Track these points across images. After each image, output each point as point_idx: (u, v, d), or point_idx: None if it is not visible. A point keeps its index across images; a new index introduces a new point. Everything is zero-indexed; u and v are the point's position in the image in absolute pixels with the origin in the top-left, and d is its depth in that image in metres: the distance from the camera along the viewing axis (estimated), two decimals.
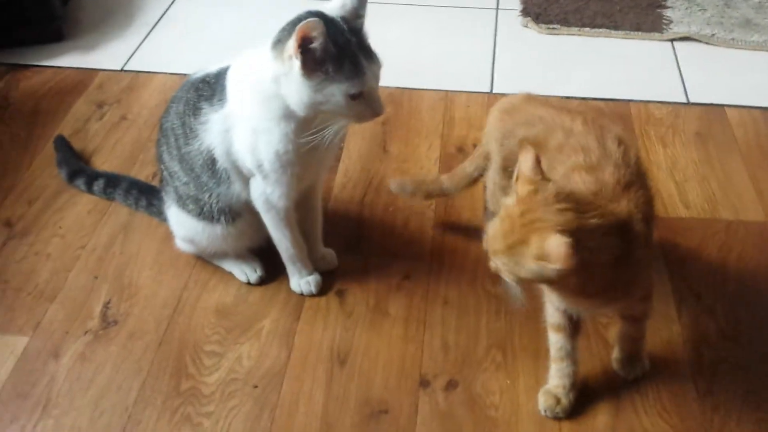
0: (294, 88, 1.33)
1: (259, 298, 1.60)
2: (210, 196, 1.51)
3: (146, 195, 1.73)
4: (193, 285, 1.62)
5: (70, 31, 2.39)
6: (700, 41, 2.38)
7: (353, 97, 1.33)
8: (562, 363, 1.38)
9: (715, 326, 1.54)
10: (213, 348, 1.50)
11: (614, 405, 1.41)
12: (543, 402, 1.39)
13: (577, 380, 1.39)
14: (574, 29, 2.43)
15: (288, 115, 1.38)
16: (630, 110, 2.10)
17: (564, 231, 1.10)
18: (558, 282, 1.17)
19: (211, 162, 1.47)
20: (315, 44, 1.29)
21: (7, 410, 1.40)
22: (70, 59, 2.29)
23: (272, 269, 1.63)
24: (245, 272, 1.63)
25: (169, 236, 1.66)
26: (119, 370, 1.47)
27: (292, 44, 1.29)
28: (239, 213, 1.54)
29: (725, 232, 1.74)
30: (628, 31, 2.41)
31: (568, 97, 2.07)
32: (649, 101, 2.13)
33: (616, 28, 2.43)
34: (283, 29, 1.36)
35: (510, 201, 1.20)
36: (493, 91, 2.18)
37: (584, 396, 1.41)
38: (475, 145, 1.97)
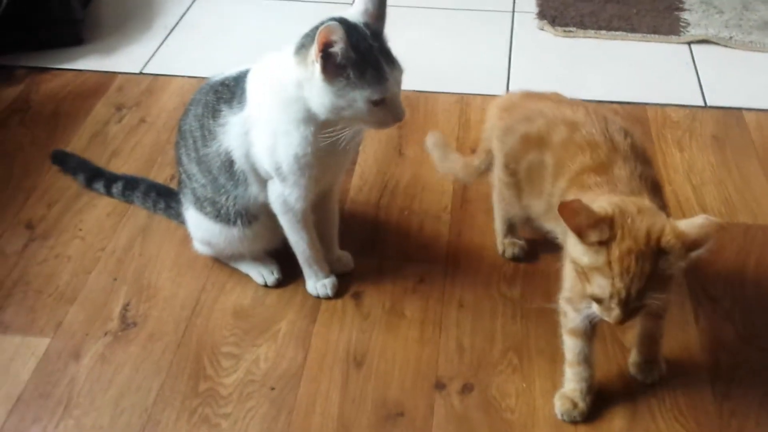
0: (316, 92, 1.34)
1: (275, 300, 1.61)
2: (227, 199, 1.52)
3: (164, 198, 1.75)
4: (210, 287, 1.64)
5: (90, 34, 2.42)
6: (717, 44, 2.37)
7: (375, 104, 1.35)
8: (579, 367, 1.38)
9: (733, 331, 1.54)
10: (230, 349, 1.52)
11: (631, 409, 1.41)
12: (560, 406, 1.39)
13: (594, 384, 1.39)
14: (591, 32, 2.43)
15: (308, 118, 1.39)
16: (647, 113, 2.10)
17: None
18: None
19: (229, 164, 1.48)
20: (335, 48, 1.30)
21: (29, 410, 1.42)
22: (89, 62, 2.32)
23: (289, 272, 1.64)
24: (262, 274, 1.64)
25: (187, 239, 1.68)
26: (138, 370, 1.49)
27: (313, 49, 1.31)
28: (256, 215, 1.55)
29: (743, 236, 1.74)
30: (645, 34, 2.41)
31: (584, 101, 2.06)
32: (666, 104, 2.13)
33: (632, 30, 2.42)
34: (307, 35, 1.37)
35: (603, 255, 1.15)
36: None
37: (600, 400, 1.41)
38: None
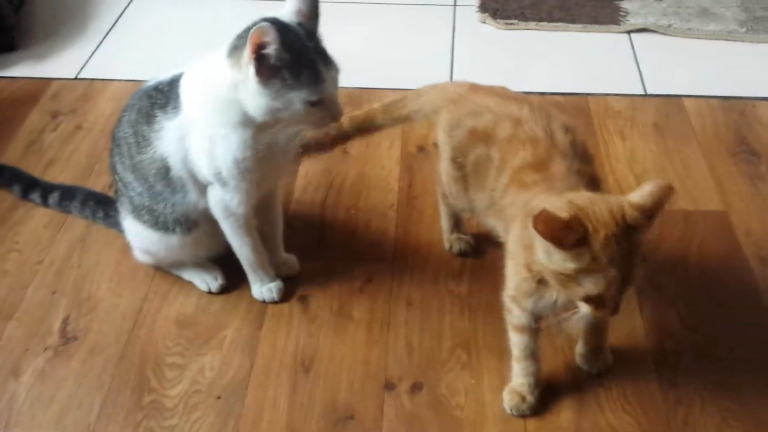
0: (251, 95, 1.32)
1: (220, 307, 1.59)
2: (165, 206, 1.49)
3: (103, 206, 1.71)
4: (153, 296, 1.60)
5: (23, 39, 2.35)
6: (657, 32, 2.40)
7: (312, 104, 1.33)
8: (526, 362, 1.38)
9: (677, 317, 1.55)
10: (175, 360, 1.49)
11: (578, 400, 1.41)
12: (508, 401, 1.39)
13: (541, 378, 1.40)
14: (532, 24, 2.44)
15: (245, 121, 1.37)
16: (589, 104, 2.11)
17: None
18: None
19: (166, 170, 1.45)
20: (269, 50, 1.28)
21: None
22: (23, 69, 2.25)
23: (233, 277, 1.61)
24: (206, 281, 1.61)
25: (127, 248, 1.64)
26: (80, 386, 1.45)
27: (246, 51, 1.28)
28: (196, 222, 1.52)
29: (684, 222, 1.76)
30: (585, 25, 2.43)
31: (527, 93, 2.06)
32: (607, 94, 2.15)
33: (573, 21, 2.44)
34: (239, 36, 1.35)
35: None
36: None
37: (548, 393, 1.41)
38: (436, 144, 1.98)
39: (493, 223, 1.44)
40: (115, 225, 1.68)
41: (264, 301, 1.59)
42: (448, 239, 1.70)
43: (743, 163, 1.92)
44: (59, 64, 2.27)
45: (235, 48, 1.34)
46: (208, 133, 1.40)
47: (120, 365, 1.48)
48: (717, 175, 1.88)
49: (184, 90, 1.43)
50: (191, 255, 1.57)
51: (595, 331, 1.44)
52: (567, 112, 2.05)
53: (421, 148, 1.98)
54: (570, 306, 1.24)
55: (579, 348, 1.47)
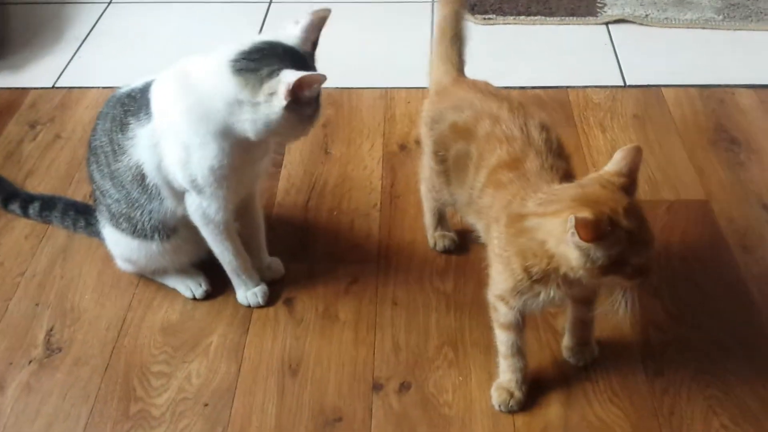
0: (261, 119, 1.33)
1: (205, 313, 1.58)
2: (142, 213, 1.48)
3: (84, 216, 1.70)
4: (137, 305, 1.59)
5: None
6: (634, 22, 2.41)
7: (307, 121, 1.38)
8: (513, 359, 1.38)
9: (661, 307, 1.56)
10: (161, 368, 1.48)
11: (565, 394, 1.42)
12: (496, 397, 1.40)
13: (528, 373, 1.40)
14: (510, 18, 2.44)
15: (225, 132, 1.37)
16: (568, 97, 2.11)
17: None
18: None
19: (141, 177, 1.44)
20: (308, 92, 1.33)
21: None
22: None
23: (218, 282, 1.60)
24: (190, 288, 1.60)
25: (110, 257, 1.63)
26: (66, 398, 1.44)
27: (282, 88, 1.30)
28: (174, 229, 1.51)
29: (667, 212, 1.76)
30: (563, 17, 2.43)
31: (507, 87, 2.07)
32: (587, 86, 2.15)
33: (551, 14, 2.44)
34: (258, 61, 1.33)
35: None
36: None
37: (536, 388, 1.42)
38: (417, 142, 1.98)
39: (473, 220, 1.44)
40: (97, 234, 1.66)
41: (249, 306, 1.58)
42: (432, 237, 1.69)
43: (723, 151, 1.93)
44: (36, 74, 2.25)
45: (251, 71, 1.32)
46: (182, 141, 1.38)
47: (105, 375, 1.47)
48: (698, 164, 1.89)
49: (156, 96, 1.41)
50: (173, 261, 1.56)
51: (581, 324, 1.45)
52: (547, 105, 2.07)
53: (402, 147, 1.98)
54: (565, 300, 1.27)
55: (565, 341, 1.48)
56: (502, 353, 1.39)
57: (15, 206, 1.77)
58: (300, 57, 1.36)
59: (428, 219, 1.69)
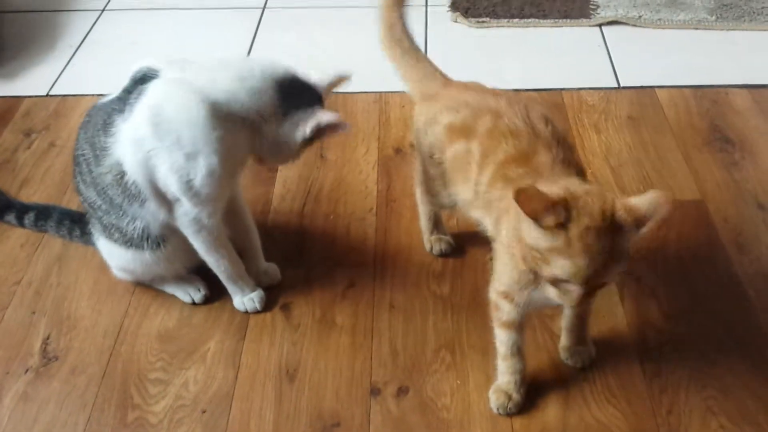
0: (279, 139, 1.44)
1: (202, 319, 1.58)
2: (128, 222, 1.46)
3: (79, 224, 1.69)
4: (133, 312, 1.59)
5: None
6: (627, 24, 2.41)
7: None
8: (513, 359, 1.38)
9: (658, 308, 1.56)
10: (158, 375, 1.47)
11: (563, 396, 1.42)
12: (495, 400, 1.39)
13: (527, 375, 1.40)
14: (504, 21, 2.44)
15: (234, 140, 1.41)
16: (563, 99, 2.12)
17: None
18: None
19: (120, 176, 1.41)
20: (327, 135, 1.46)
21: None
22: None
23: (216, 287, 1.60)
24: (189, 293, 1.60)
25: (106, 264, 1.62)
26: (63, 406, 1.43)
27: (312, 123, 1.42)
28: (163, 237, 1.49)
29: None
30: (556, 20, 2.44)
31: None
32: (581, 88, 2.16)
33: (544, 17, 2.45)
34: (301, 91, 1.45)
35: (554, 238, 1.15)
36: None
37: (534, 390, 1.42)
38: (412, 145, 1.98)
39: (479, 215, 1.42)
40: (93, 243, 1.66)
41: (246, 312, 1.58)
42: (428, 240, 1.69)
43: (718, 152, 1.93)
44: (30, 82, 2.25)
45: (293, 96, 1.43)
46: (185, 152, 1.37)
47: (103, 383, 1.46)
48: (692, 165, 1.89)
49: (158, 98, 1.39)
50: (168, 269, 1.55)
51: (578, 324, 1.44)
52: (545, 106, 2.06)
53: (398, 150, 1.98)
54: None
55: (562, 342, 1.48)
56: (501, 354, 1.39)
57: (10, 217, 1.77)
58: (322, 99, 1.48)
59: (424, 223, 1.69)
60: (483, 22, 2.45)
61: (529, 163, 1.30)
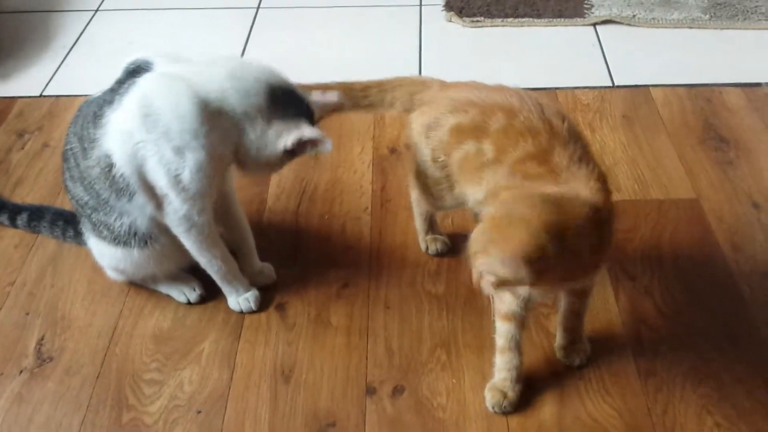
0: (260, 144, 1.42)
1: (197, 320, 1.57)
2: (116, 218, 1.45)
3: (73, 225, 1.68)
4: (128, 312, 1.59)
5: None
6: (621, 23, 2.41)
7: None
8: (510, 354, 1.38)
9: (653, 306, 1.56)
10: (153, 376, 1.47)
11: (559, 394, 1.42)
12: (490, 398, 1.39)
13: (522, 373, 1.40)
14: (498, 20, 2.44)
15: (224, 135, 1.40)
16: (557, 98, 2.12)
17: (548, 232, 1.13)
18: (537, 281, 1.18)
19: (108, 169, 1.40)
20: (308, 149, 1.44)
21: None
22: None
23: (211, 286, 1.59)
24: (184, 292, 1.59)
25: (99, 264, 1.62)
26: (57, 407, 1.43)
27: (294, 135, 1.40)
28: (152, 234, 1.48)
29: (657, 212, 1.77)
30: (550, 19, 2.44)
31: None
32: (575, 87, 2.16)
33: (538, 16, 2.45)
34: (290, 98, 1.42)
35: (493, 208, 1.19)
36: None
37: (529, 389, 1.42)
38: (407, 145, 1.97)
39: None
40: (85, 243, 1.66)
41: (241, 312, 1.58)
42: (423, 240, 1.69)
43: (712, 150, 1.94)
44: (23, 83, 2.25)
45: (283, 104, 1.41)
46: (172, 146, 1.37)
47: (97, 384, 1.46)
48: (687, 163, 1.90)
49: (148, 90, 1.38)
50: (159, 268, 1.54)
51: (574, 321, 1.44)
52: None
53: (392, 150, 1.98)
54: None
55: (558, 340, 1.48)
56: (499, 347, 1.38)
57: (3, 218, 1.76)
58: (312, 116, 1.47)
59: (419, 223, 1.68)
60: (477, 21, 2.45)
61: (546, 163, 1.28)
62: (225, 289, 1.57)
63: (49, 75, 2.28)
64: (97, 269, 1.63)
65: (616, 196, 1.79)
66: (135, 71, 1.44)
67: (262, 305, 1.59)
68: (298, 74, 1.50)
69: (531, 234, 1.13)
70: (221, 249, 1.52)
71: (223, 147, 1.41)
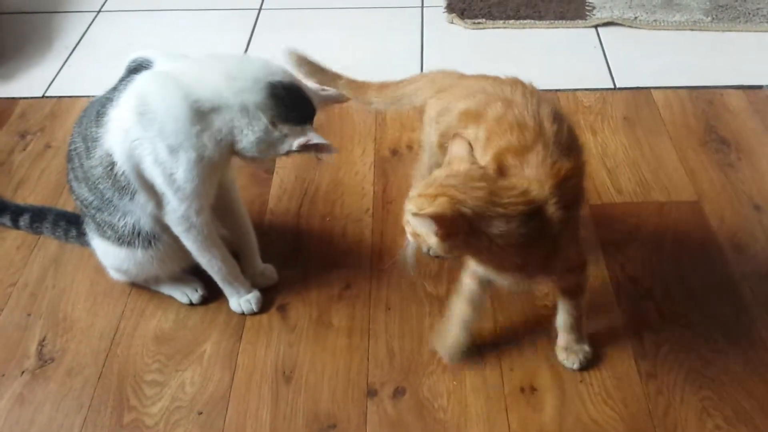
0: (263, 142, 1.41)
1: (199, 321, 1.57)
2: (119, 218, 1.46)
3: (75, 225, 1.69)
4: (129, 313, 1.59)
5: None
6: (623, 25, 2.41)
7: None
8: (464, 305, 1.43)
9: (654, 308, 1.56)
10: (154, 377, 1.47)
11: (560, 397, 1.42)
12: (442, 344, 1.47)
13: (468, 333, 1.45)
14: (499, 22, 2.44)
15: (217, 134, 1.39)
16: (559, 100, 2.12)
17: (467, 210, 1.18)
18: (444, 251, 1.22)
19: (110, 167, 1.41)
20: (312, 152, 1.45)
21: None
22: None
23: (214, 287, 1.59)
24: (186, 293, 1.60)
25: (102, 266, 1.62)
26: (59, 408, 1.43)
27: (301, 140, 1.40)
28: (156, 234, 1.49)
29: (658, 214, 1.77)
30: (552, 21, 2.44)
31: None
32: (577, 89, 2.16)
33: (540, 18, 2.45)
34: (294, 98, 1.41)
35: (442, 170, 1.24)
36: None
37: (530, 390, 1.42)
38: (409, 147, 1.98)
39: None
40: (88, 244, 1.66)
41: (243, 313, 1.58)
42: None
43: (713, 152, 1.94)
44: (26, 84, 2.25)
45: (285, 104, 1.40)
46: (167, 144, 1.37)
47: (99, 385, 1.46)
48: (688, 165, 1.90)
49: (143, 88, 1.39)
50: (162, 269, 1.54)
51: (573, 325, 1.44)
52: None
53: (394, 152, 1.98)
54: None
55: (558, 343, 1.48)
56: (459, 294, 1.44)
57: (5, 219, 1.76)
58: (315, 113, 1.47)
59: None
60: (479, 23, 2.45)
61: (521, 158, 1.29)
62: (226, 290, 1.57)
63: (52, 76, 2.28)
64: (99, 270, 1.64)
65: (617, 198, 1.81)
66: (136, 69, 1.44)
67: (264, 306, 1.59)
68: (298, 75, 1.51)
69: (448, 202, 1.18)
70: (221, 250, 1.52)
71: (217, 147, 1.39)
